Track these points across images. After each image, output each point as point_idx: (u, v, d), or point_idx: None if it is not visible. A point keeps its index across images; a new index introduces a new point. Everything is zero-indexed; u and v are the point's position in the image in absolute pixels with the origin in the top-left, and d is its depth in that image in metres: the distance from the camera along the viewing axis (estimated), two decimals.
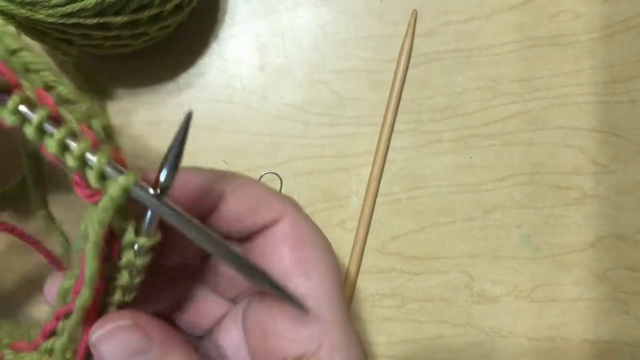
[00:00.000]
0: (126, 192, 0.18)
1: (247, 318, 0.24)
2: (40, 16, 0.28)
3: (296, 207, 0.23)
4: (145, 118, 0.38)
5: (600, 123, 0.38)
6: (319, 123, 0.38)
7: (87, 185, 0.18)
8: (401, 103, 0.38)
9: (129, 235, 0.19)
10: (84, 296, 0.19)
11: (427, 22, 0.38)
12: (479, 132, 0.38)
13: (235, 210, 0.22)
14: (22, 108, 0.17)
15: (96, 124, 0.18)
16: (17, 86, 0.18)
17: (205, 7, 0.38)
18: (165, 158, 0.19)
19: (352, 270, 0.37)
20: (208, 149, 0.38)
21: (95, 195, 0.18)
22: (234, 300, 0.26)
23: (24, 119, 0.18)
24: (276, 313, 0.22)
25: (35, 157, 0.36)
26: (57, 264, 0.36)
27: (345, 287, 0.37)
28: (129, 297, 0.21)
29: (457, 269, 0.37)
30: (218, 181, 0.22)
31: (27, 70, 0.18)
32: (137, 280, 0.20)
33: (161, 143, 0.38)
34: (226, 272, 0.25)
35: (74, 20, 0.28)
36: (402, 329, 0.37)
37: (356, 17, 0.39)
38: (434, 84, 0.38)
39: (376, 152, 0.38)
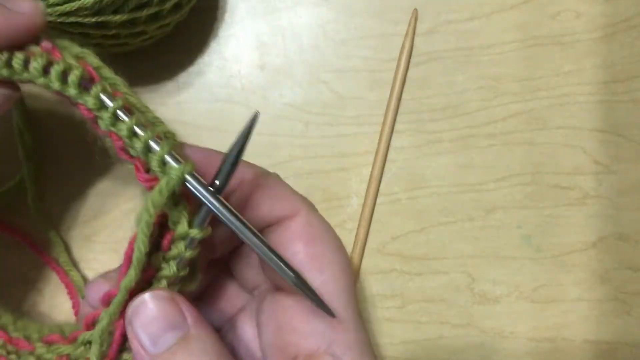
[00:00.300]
0: (181, 179, 0.20)
1: (261, 312, 0.24)
2: None
3: (311, 206, 0.24)
4: None
5: (602, 123, 0.37)
6: (319, 123, 0.38)
7: (147, 171, 0.21)
8: (401, 103, 0.38)
9: (182, 227, 0.21)
10: (130, 276, 0.20)
11: (427, 21, 0.38)
12: (480, 131, 0.38)
13: (251, 197, 0.23)
14: (102, 95, 0.21)
15: (160, 128, 0.22)
16: (98, 80, 0.21)
17: (205, 6, 0.38)
18: (225, 159, 0.21)
19: (353, 270, 0.37)
20: None
21: (153, 180, 0.20)
22: (251, 292, 0.26)
23: (101, 104, 0.21)
24: (291, 308, 0.22)
25: (34, 158, 0.36)
26: (52, 263, 0.36)
27: None
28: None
29: (457, 270, 0.37)
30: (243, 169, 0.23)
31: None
32: (182, 273, 0.22)
33: None
34: (250, 263, 0.25)
35: (72, 19, 0.28)
36: (403, 330, 0.37)
37: (356, 17, 0.38)
38: (434, 84, 0.38)
39: (376, 152, 0.37)
